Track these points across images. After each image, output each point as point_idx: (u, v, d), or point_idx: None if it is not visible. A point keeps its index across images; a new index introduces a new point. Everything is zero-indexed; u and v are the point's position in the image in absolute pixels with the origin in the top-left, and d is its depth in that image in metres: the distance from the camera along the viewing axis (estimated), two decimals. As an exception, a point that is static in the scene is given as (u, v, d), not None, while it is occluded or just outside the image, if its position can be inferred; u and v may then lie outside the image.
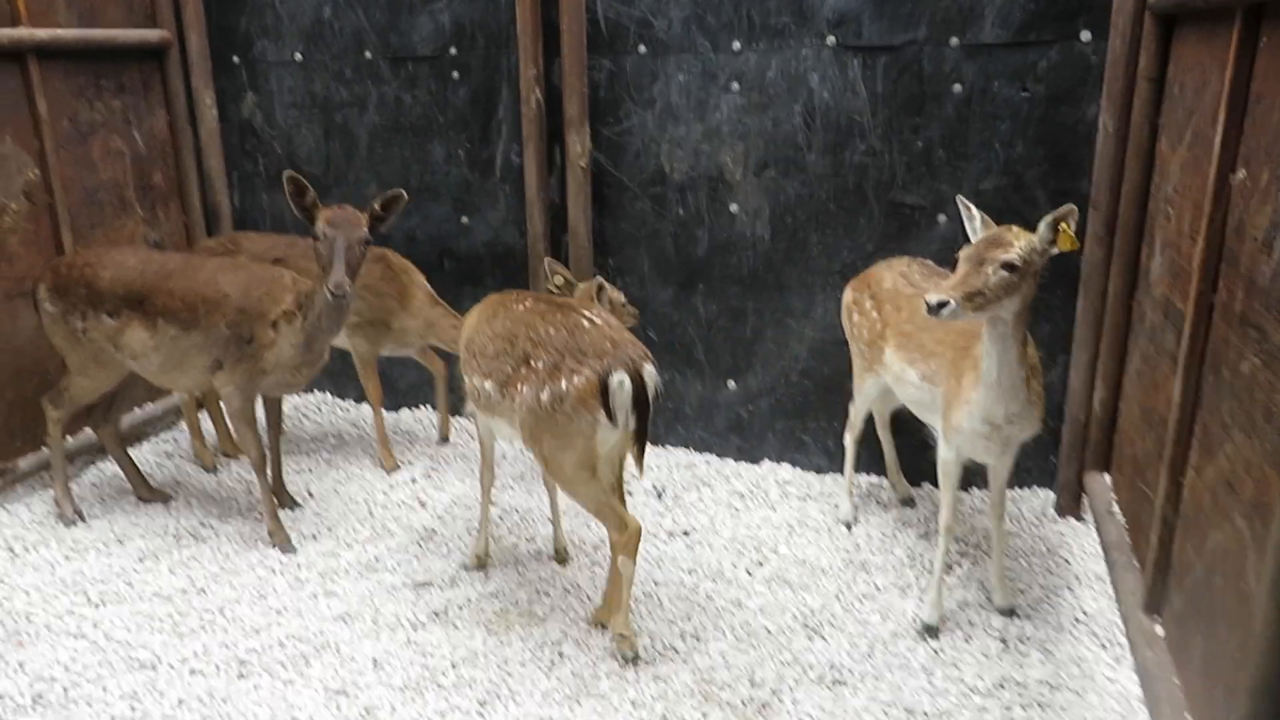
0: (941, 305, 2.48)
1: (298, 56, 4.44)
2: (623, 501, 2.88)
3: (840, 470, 3.92)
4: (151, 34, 4.37)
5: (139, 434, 4.46)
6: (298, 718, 2.60)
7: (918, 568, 3.27)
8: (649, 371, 2.66)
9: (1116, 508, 3.29)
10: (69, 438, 4.05)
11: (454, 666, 2.80)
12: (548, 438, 2.69)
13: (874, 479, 3.90)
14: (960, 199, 3.18)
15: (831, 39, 3.57)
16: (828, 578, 3.24)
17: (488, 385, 2.87)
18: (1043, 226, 2.56)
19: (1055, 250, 2.58)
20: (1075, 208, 2.54)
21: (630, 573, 2.76)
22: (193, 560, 3.42)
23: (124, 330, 3.45)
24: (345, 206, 3.19)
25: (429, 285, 4.10)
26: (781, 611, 3.05)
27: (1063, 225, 2.54)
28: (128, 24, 4.29)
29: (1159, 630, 2.64)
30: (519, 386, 2.73)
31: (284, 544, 3.48)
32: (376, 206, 3.22)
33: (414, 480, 4.01)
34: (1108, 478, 3.49)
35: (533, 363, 2.71)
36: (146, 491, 3.86)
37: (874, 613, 3.04)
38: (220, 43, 4.55)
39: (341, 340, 3.95)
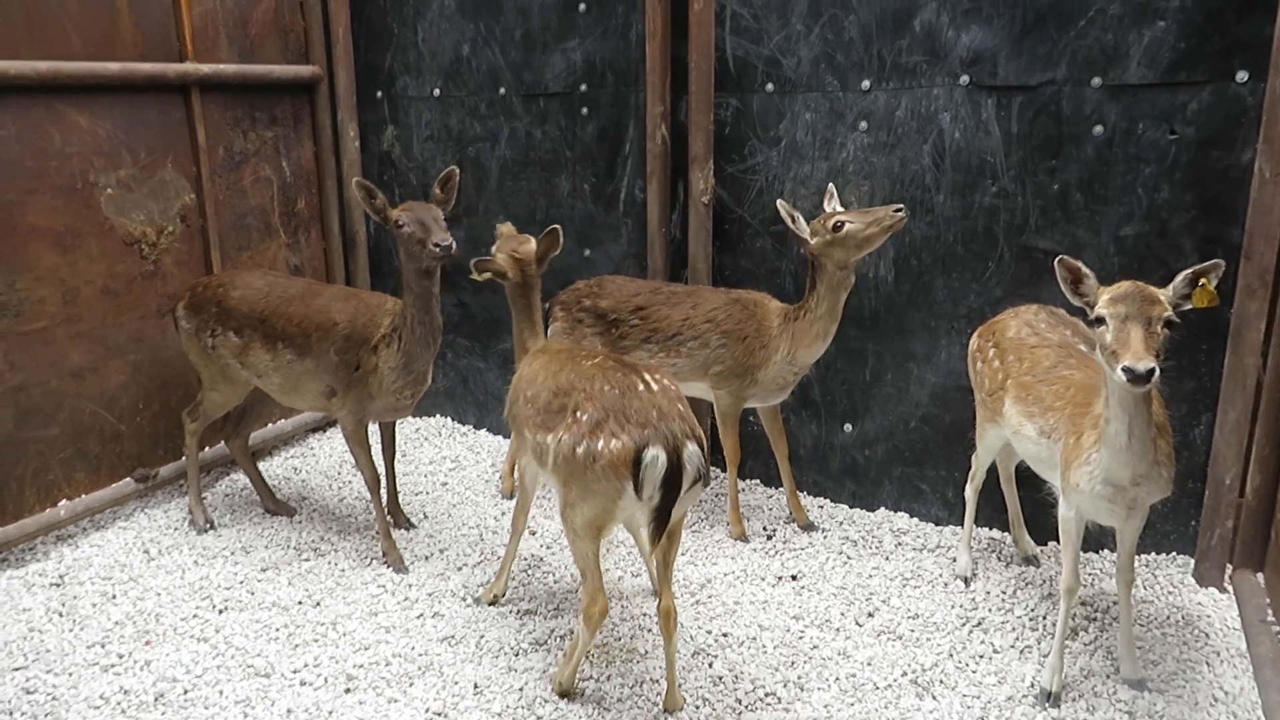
0: (1151, 373, 2.26)
1: (436, 92, 4.61)
2: (666, 579, 2.72)
3: (959, 523, 3.77)
4: (304, 70, 4.63)
5: (269, 449, 4.66)
6: (398, 736, 2.64)
7: (1040, 630, 3.10)
8: (689, 452, 2.52)
9: (1271, 613, 3.04)
10: (206, 449, 4.28)
11: (550, 698, 2.79)
12: (575, 486, 2.63)
13: (995, 534, 3.72)
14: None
15: (965, 78, 3.48)
16: (941, 634, 3.10)
17: (541, 438, 2.76)
18: (1180, 280, 2.40)
19: (1188, 306, 2.42)
20: (1223, 263, 2.38)
21: (585, 640, 2.69)
22: (310, 574, 3.53)
23: (248, 349, 3.64)
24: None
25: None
26: (891, 666, 2.93)
27: (1204, 280, 2.38)
28: (283, 60, 4.56)
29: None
30: (560, 431, 2.66)
31: (397, 564, 3.56)
32: (437, 190, 3.36)
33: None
34: (1261, 578, 3.24)
35: (579, 414, 2.62)
36: (273, 504, 4.03)
37: (989, 674, 2.89)
38: (365, 78, 4.77)
39: (703, 390, 3.76)
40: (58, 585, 3.45)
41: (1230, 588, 3.30)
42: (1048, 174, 3.42)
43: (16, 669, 2.95)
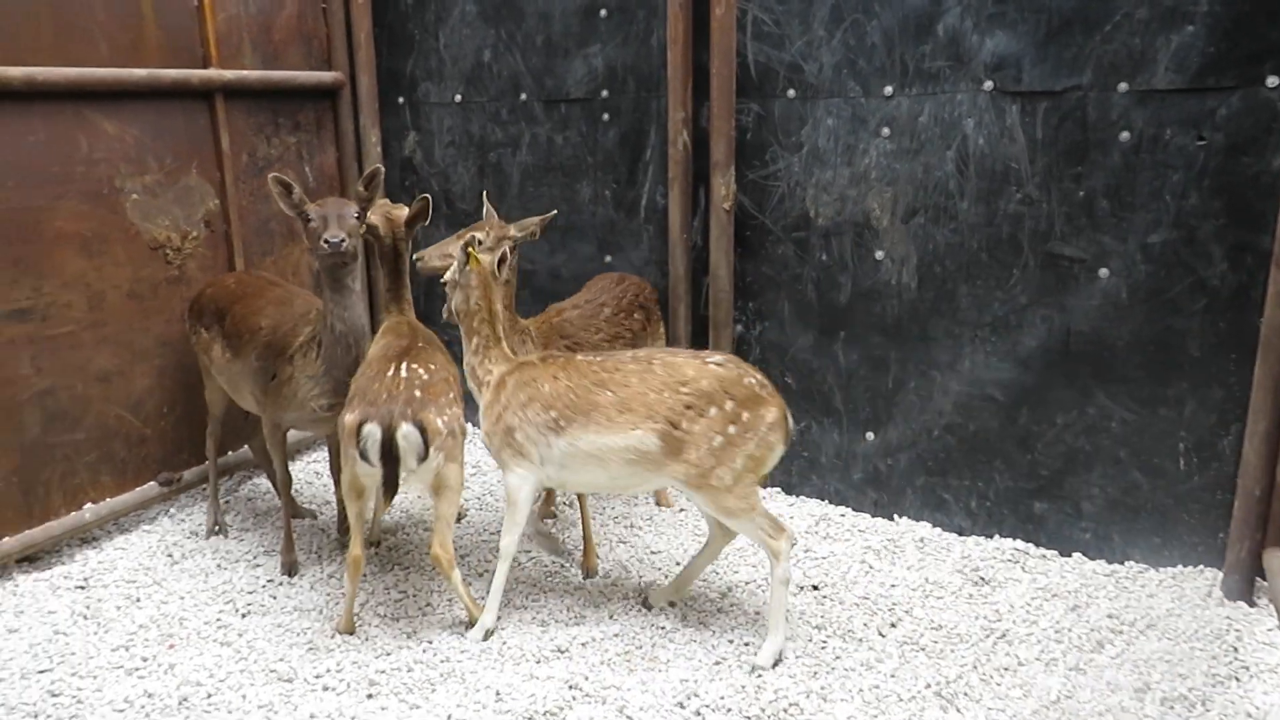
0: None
1: (458, 98, 4.63)
2: (437, 530, 3.09)
3: (983, 533, 3.75)
4: (327, 76, 4.65)
5: (292, 453, 4.68)
6: (419, 743, 2.64)
7: (1065, 642, 3.07)
8: (403, 431, 2.91)
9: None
10: (229, 453, 4.30)
11: (571, 705, 2.79)
12: (342, 451, 3.11)
13: (1019, 544, 3.69)
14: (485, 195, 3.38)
15: (989, 84, 3.46)
16: (965, 646, 3.07)
17: None
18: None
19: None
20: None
21: (349, 591, 3.14)
22: (331, 578, 3.54)
23: (211, 346, 3.70)
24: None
25: None
26: (914, 678, 2.90)
27: (470, 249, 3.03)
28: (306, 66, 4.58)
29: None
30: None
31: (290, 566, 3.57)
32: (361, 188, 3.28)
33: (547, 518, 4.05)
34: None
35: (352, 389, 3.12)
36: (293, 508, 4.04)
37: (1014, 687, 2.86)
38: (388, 84, 4.79)
39: None
40: (83, 588, 3.47)
41: (1260, 601, 3.25)
42: (1073, 180, 3.39)
43: (42, 671, 2.97)
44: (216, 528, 3.88)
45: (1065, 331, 3.50)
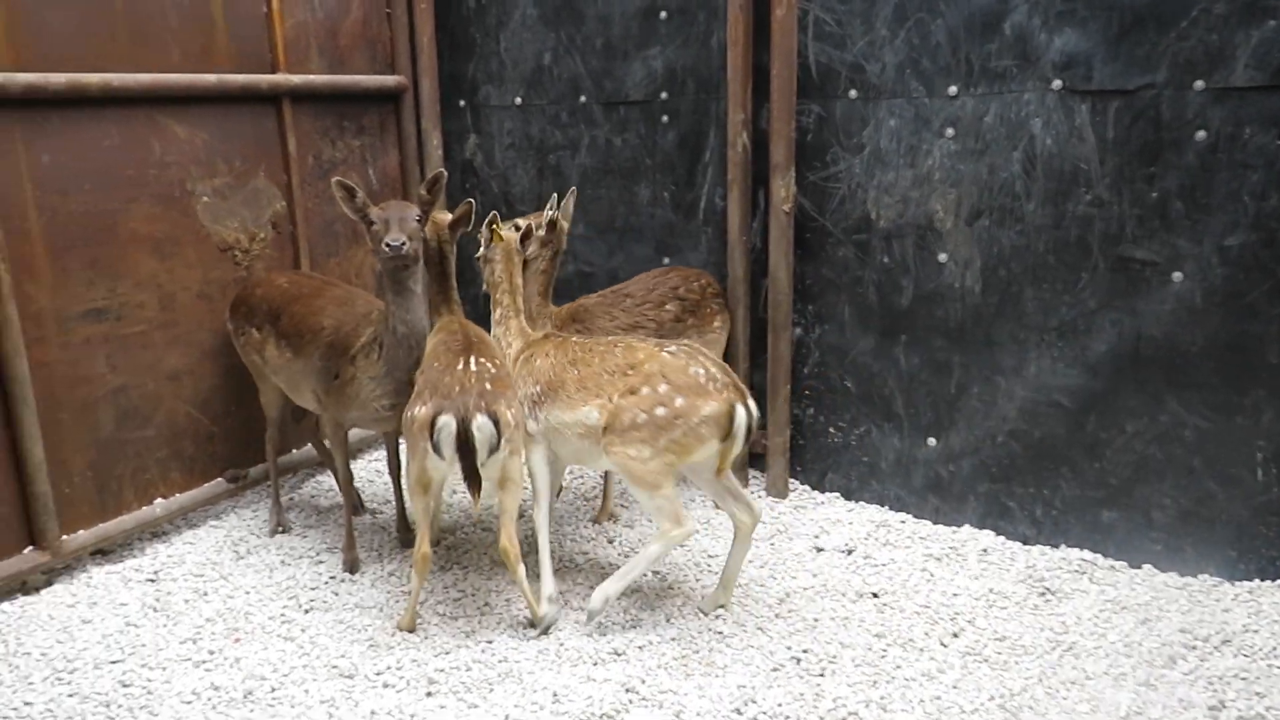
0: None
1: (518, 101, 4.66)
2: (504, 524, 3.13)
3: (1048, 542, 3.67)
4: (390, 80, 4.71)
5: (355, 451, 4.75)
6: (477, 742, 2.66)
7: (1135, 656, 2.98)
8: (478, 423, 2.94)
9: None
10: (294, 450, 4.38)
11: (628, 709, 2.78)
12: (407, 444, 3.14)
13: (1086, 554, 3.60)
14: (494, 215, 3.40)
15: (1058, 83, 3.38)
16: (1030, 658, 3.01)
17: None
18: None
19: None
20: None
21: (415, 588, 3.16)
22: (392, 577, 3.59)
23: (264, 345, 3.74)
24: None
25: None
26: (978, 690, 2.84)
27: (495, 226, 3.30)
28: (371, 71, 4.65)
29: None
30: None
31: (352, 563, 3.63)
32: (423, 192, 3.31)
33: (604, 522, 4.05)
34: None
35: (418, 385, 3.14)
36: (356, 503, 4.10)
37: (1081, 701, 2.79)
38: (449, 88, 4.84)
39: None
40: (153, 581, 3.56)
41: (1341, 617, 3.13)
42: (1145, 181, 3.30)
43: (114, 662, 3.05)
44: (280, 528, 3.96)
45: (1136, 336, 3.41)
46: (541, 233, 3.62)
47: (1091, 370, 3.51)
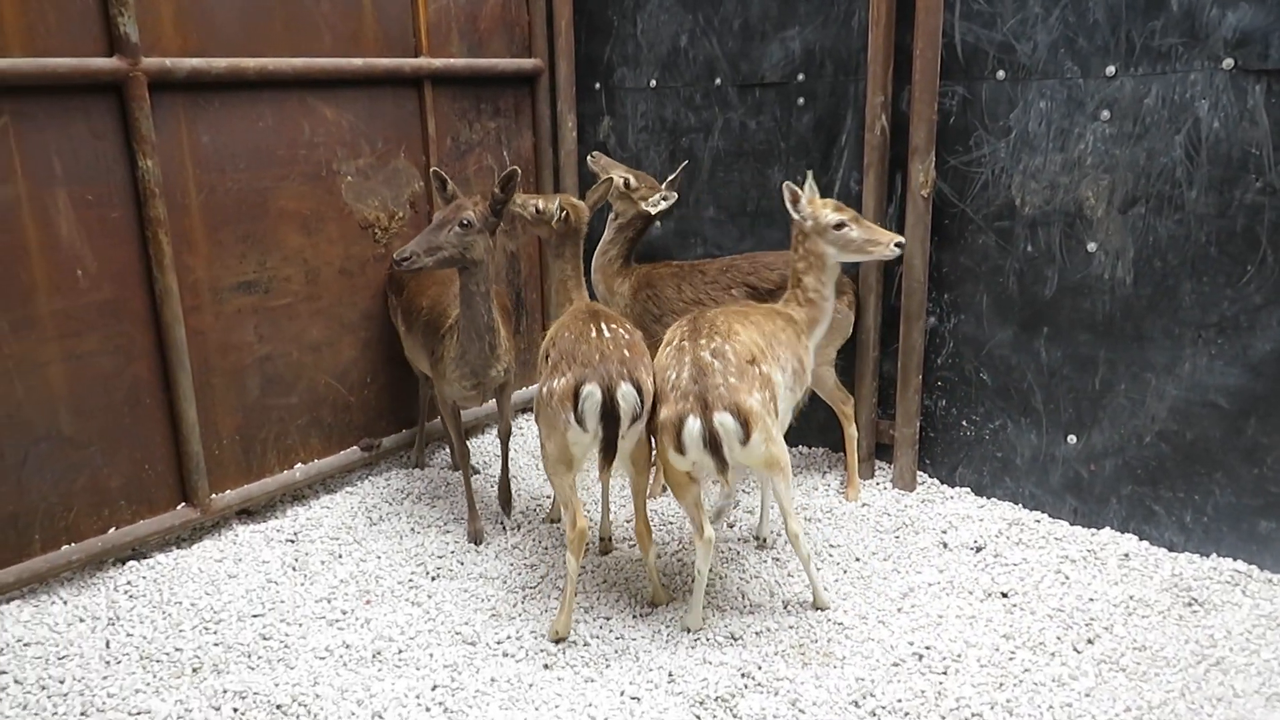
0: None
1: (652, 83, 4.66)
2: (638, 506, 3.19)
3: (1196, 550, 3.45)
4: (527, 63, 4.78)
5: (481, 426, 4.88)
6: (594, 715, 2.69)
7: (1291, 678, 2.78)
8: (623, 391, 2.88)
9: None
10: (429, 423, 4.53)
11: (743, 693, 2.76)
12: (543, 422, 3.07)
13: (1241, 565, 3.37)
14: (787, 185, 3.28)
15: (1229, 61, 3.15)
16: (1172, 670, 2.83)
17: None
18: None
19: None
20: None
21: (572, 569, 3.01)
22: (515, 549, 3.67)
23: (397, 314, 4.04)
24: (468, 196, 3.41)
25: None
26: (1112, 700, 2.70)
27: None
28: (508, 54, 4.73)
29: None
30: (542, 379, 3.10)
31: (476, 535, 3.72)
32: (497, 189, 3.32)
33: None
34: None
35: (549, 360, 3.07)
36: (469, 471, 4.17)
37: (1229, 721, 2.62)
38: (584, 70, 4.88)
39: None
40: (292, 541, 3.74)
41: None
42: (1325, 168, 3.05)
43: (255, 615, 3.22)
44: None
45: (1307, 336, 3.16)
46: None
47: (1254, 370, 3.27)
